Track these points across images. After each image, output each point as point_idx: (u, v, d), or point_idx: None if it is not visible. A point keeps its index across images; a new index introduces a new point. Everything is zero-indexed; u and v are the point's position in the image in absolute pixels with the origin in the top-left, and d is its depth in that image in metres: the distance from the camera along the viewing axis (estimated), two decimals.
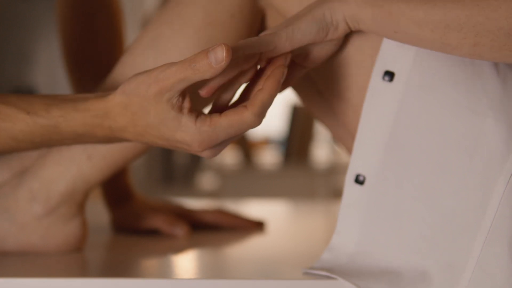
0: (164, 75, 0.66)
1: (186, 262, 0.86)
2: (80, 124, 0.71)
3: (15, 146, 0.72)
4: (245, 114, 0.67)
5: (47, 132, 0.72)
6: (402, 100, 0.73)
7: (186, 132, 0.68)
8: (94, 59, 1.08)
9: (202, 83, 0.69)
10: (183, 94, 0.68)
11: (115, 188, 1.06)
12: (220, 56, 0.65)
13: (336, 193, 3.02)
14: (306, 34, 0.71)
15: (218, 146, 0.70)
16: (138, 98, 0.68)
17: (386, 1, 0.70)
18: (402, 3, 0.69)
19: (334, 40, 0.74)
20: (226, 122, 0.67)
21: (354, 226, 0.74)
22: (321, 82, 0.82)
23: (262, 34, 0.71)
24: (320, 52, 0.74)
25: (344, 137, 0.86)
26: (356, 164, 0.74)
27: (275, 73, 0.69)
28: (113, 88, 0.83)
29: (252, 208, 1.44)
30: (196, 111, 0.69)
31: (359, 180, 0.74)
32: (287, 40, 0.70)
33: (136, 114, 0.68)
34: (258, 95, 0.67)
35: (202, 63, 0.65)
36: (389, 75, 0.73)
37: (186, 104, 0.68)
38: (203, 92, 0.69)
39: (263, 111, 0.68)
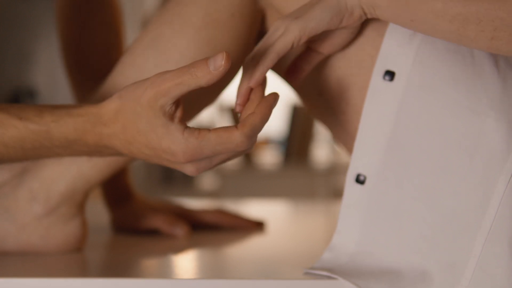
0: (161, 79, 0.66)
1: (186, 262, 0.86)
2: (71, 129, 0.70)
3: (4, 153, 0.72)
4: (235, 133, 0.66)
5: (38, 138, 0.71)
6: (403, 100, 0.73)
7: (172, 140, 0.67)
8: (93, 59, 1.08)
9: (196, 95, 0.69)
10: (176, 103, 0.67)
11: (115, 188, 1.06)
12: (219, 63, 0.65)
13: (336, 193, 3.02)
14: (320, 21, 0.71)
15: (203, 163, 0.69)
16: (132, 103, 0.68)
17: None
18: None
19: (349, 26, 0.74)
20: (214, 137, 0.66)
21: (354, 226, 0.74)
22: (322, 82, 0.82)
23: (272, 30, 0.72)
24: (337, 39, 0.75)
25: (344, 137, 0.86)
26: (356, 163, 0.74)
27: (268, 98, 0.69)
28: (113, 88, 0.83)
29: (252, 208, 1.44)
30: (186, 123, 0.68)
31: (359, 180, 0.74)
32: (301, 31, 0.71)
33: (127, 119, 0.68)
34: (250, 118, 0.67)
35: (200, 68, 0.65)
36: (390, 74, 0.73)
37: (178, 113, 0.68)
38: (237, 108, 0.71)
39: (253, 134, 0.67)
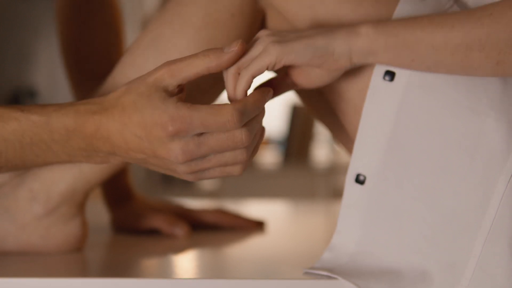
0: (171, 61, 0.67)
1: (186, 262, 0.86)
2: (72, 118, 0.69)
3: (2, 150, 0.71)
4: (226, 106, 0.66)
5: (38, 130, 0.70)
6: (403, 100, 0.73)
7: (164, 109, 0.66)
8: (93, 59, 1.08)
9: (196, 95, 0.69)
10: (180, 87, 0.68)
11: (115, 188, 1.06)
12: (233, 47, 0.66)
13: (336, 193, 3.02)
14: (300, 57, 0.70)
15: (196, 157, 0.67)
16: (138, 84, 0.68)
17: (400, 29, 0.69)
18: (417, 29, 0.69)
19: (331, 71, 0.73)
20: (205, 108, 0.66)
21: (354, 226, 0.74)
22: None
23: (253, 44, 0.71)
24: (314, 77, 0.73)
25: (344, 138, 0.86)
26: (356, 163, 0.74)
27: (263, 88, 0.70)
28: (113, 88, 0.83)
29: (252, 208, 1.44)
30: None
31: (359, 180, 0.74)
32: (278, 57, 0.69)
33: (128, 100, 0.68)
34: (243, 98, 0.68)
35: (213, 50, 0.66)
36: (390, 74, 0.73)
37: (181, 95, 0.68)
38: None
39: (244, 111, 0.67)
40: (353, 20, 0.76)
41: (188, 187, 3.24)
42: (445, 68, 0.70)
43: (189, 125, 0.66)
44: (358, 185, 0.74)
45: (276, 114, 3.61)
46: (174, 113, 0.66)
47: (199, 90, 0.82)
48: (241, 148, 0.68)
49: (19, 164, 0.73)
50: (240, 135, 0.67)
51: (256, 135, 0.70)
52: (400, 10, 0.74)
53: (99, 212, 1.15)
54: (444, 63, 0.69)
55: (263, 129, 0.72)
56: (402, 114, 0.73)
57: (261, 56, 0.69)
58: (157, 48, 0.81)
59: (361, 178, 0.74)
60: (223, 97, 0.79)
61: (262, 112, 0.70)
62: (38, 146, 0.71)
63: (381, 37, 0.70)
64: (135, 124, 0.68)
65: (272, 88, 0.74)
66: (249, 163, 0.70)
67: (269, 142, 3.79)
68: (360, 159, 0.74)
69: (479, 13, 0.67)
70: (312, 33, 0.71)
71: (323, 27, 0.72)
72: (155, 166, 0.70)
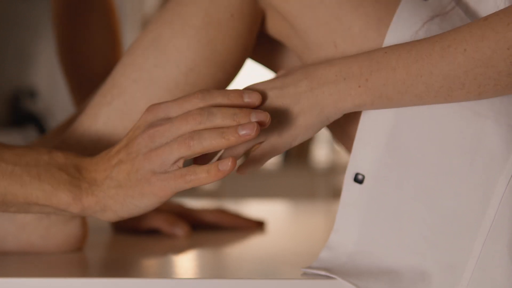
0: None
1: (186, 262, 0.86)
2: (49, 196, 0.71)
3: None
4: (194, 93, 0.69)
5: (15, 191, 0.71)
6: None
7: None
8: (90, 60, 1.08)
9: None
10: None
11: None
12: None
13: (336, 193, 3.01)
14: (304, 139, 0.75)
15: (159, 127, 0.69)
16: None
17: (382, 88, 0.70)
18: (398, 84, 0.70)
19: None
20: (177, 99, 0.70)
21: (353, 225, 0.74)
22: None
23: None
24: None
25: (344, 138, 0.86)
26: (355, 162, 0.74)
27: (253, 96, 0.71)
28: (113, 88, 0.83)
29: (252, 208, 1.44)
30: None
31: (358, 179, 0.74)
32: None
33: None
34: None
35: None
36: None
37: None
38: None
39: (208, 96, 0.69)
40: (352, 20, 0.76)
41: None
42: (430, 105, 0.72)
43: (157, 108, 0.71)
44: (356, 184, 0.74)
45: None
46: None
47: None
48: (196, 126, 0.68)
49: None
50: (200, 102, 0.69)
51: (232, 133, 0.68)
52: (401, 11, 0.74)
53: None
54: (429, 103, 0.71)
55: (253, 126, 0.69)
56: (401, 113, 0.73)
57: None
58: (157, 48, 0.81)
59: (360, 177, 0.74)
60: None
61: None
62: (29, 172, 0.72)
63: (367, 100, 0.71)
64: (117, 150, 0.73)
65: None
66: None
67: None
68: (359, 158, 0.74)
69: (453, 50, 0.68)
70: (306, 124, 0.73)
71: (300, 94, 0.73)
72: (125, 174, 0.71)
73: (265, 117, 0.68)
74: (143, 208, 0.71)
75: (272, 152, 0.74)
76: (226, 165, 0.66)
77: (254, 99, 0.70)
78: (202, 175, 0.67)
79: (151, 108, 0.71)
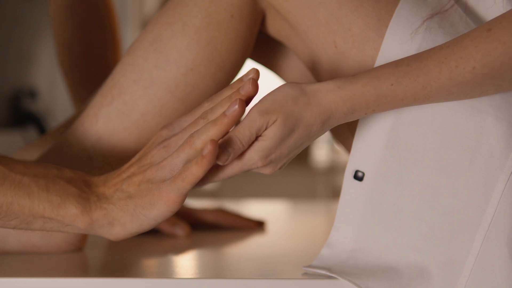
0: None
1: (186, 262, 0.86)
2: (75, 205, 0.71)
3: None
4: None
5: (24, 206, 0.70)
6: None
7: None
8: (89, 61, 1.08)
9: None
10: None
11: None
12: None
13: (336, 193, 3.01)
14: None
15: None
16: None
17: (388, 110, 0.71)
18: (404, 106, 0.70)
19: None
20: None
21: (353, 222, 0.74)
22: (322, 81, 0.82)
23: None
24: None
25: (344, 137, 0.86)
26: (355, 160, 0.74)
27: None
28: (113, 88, 0.83)
29: (252, 208, 1.44)
30: None
31: (358, 176, 0.74)
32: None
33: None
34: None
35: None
36: None
37: None
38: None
39: (215, 99, 0.71)
40: (352, 20, 0.76)
41: None
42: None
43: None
44: (356, 182, 0.74)
45: None
46: None
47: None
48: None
49: (3, 206, 0.69)
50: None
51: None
52: (401, 10, 0.74)
53: None
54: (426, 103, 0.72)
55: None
56: (402, 110, 0.73)
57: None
58: (157, 48, 0.81)
59: (360, 174, 0.74)
60: None
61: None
62: (37, 183, 0.70)
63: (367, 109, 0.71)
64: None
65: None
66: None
67: None
68: (359, 155, 0.74)
69: (462, 70, 0.67)
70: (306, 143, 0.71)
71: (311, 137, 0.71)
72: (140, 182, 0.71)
73: (253, 88, 0.68)
74: (153, 218, 0.69)
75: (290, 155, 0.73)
76: (207, 148, 0.66)
77: (248, 90, 0.70)
78: (193, 167, 0.67)
79: (167, 124, 0.73)
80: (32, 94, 2.90)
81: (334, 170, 3.18)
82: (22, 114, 2.84)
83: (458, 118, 0.71)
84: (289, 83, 0.70)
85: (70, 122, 1.02)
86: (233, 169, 0.69)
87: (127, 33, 2.96)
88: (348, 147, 0.86)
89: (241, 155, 0.69)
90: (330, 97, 0.69)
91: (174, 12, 0.82)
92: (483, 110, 0.71)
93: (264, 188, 3.15)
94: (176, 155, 0.69)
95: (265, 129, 0.68)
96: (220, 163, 0.68)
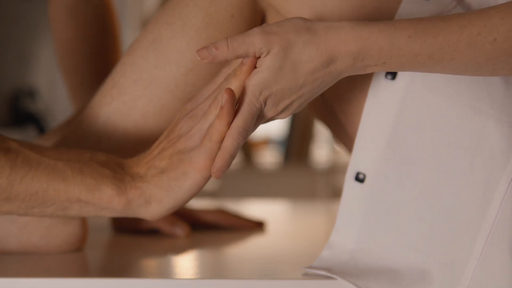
0: None
1: (186, 262, 0.86)
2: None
3: (34, 166, 0.71)
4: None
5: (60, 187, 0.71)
6: (404, 98, 0.73)
7: None
8: (89, 62, 1.08)
9: None
10: None
11: None
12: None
13: (336, 193, 3.01)
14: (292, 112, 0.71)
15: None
16: None
17: (399, 66, 0.67)
18: (415, 66, 0.67)
19: None
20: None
21: (354, 224, 0.74)
22: None
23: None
24: None
25: (345, 138, 0.86)
26: (356, 161, 0.74)
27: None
28: (113, 89, 0.83)
29: (252, 208, 1.44)
30: None
31: (359, 178, 0.74)
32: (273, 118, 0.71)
33: None
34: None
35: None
36: (392, 73, 0.73)
37: None
38: None
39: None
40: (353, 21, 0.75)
41: None
42: (427, 81, 0.72)
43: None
44: (357, 183, 0.74)
45: None
46: None
47: None
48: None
49: (39, 192, 0.70)
50: None
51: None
52: (403, 10, 0.74)
53: None
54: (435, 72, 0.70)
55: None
56: (403, 112, 0.73)
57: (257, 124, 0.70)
58: (157, 48, 0.81)
59: (361, 176, 0.74)
60: None
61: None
62: (71, 166, 0.71)
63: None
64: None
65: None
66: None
67: (269, 142, 3.79)
68: (360, 157, 0.74)
69: (483, 38, 0.65)
70: (311, 95, 0.69)
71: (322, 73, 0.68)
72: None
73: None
74: (187, 190, 0.70)
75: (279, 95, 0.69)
76: (223, 98, 0.66)
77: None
78: (215, 123, 0.67)
79: (190, 98, 0.73)
80: (32, 94, 2.90)
81: (334, 170, 3.18)
82: (21, 114, 2.84)
83: (458, 119, 0.71)
84: (302, 17, 0.69)
85: (70, 122, 1.02)
86: (242, 115, 0.68)
87: (127, 33, 2.96)
88: (348, 147, 0.86)
89: (242, 95, 0.68)
90: (342, 34, 0.66)
91: (174, 12, 0.82)
92: (484, 111, 0.71)
93: (264, 188, 3.15)
94: (204, 120, 0.69)
95: (263, 57, 0.67)
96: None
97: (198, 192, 0.70)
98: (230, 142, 0.68)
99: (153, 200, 0.71)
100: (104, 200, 0.71)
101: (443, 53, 0.66)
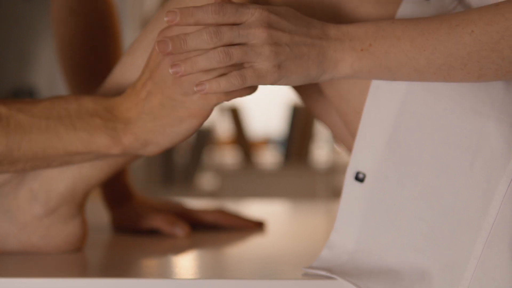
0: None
1: (186, 262, 0.86)
2: (90, 99, 0.74)
3: (27, 128, 0.73)
4: None
5: (67, 105, 0.73)
6: (404, 98, 0.73)
7: None
8: (90, 62, 1.08)
9: None
10: None
11: (114, 188, 1.06)
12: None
13: (336, 193, 3.01)
14: (291, 83, 0.70)
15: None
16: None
17: (383, 57, 0.69)
18: (400, 55, 0.69)
19: None
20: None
21: (353, 224, 0.74)
22: (323, 83, 0.82)
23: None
24: None
25: (345, 138, 0.86)
26: (356, 161, 0.74)
27: None
28: (113, 89, 0.83)
29: (252, 208, 1.44)
30: None
31: (359, 178, 0.74)
32: (273, 82, 0.69)
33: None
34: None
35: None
36: None
37: None
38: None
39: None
40: (352, 21, 0.75)
41: (188, 187, 3.24)
42: (426, 82, 0.71)
43: None
44: (357, 183, 0.74)
45: (276, 114, 3.61)
46: None
47: None
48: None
49: (39, 153, 0.74)
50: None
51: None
52: (403, 11, 0.74)
53: (99, 212, 1.15)
54: (426, 80, 0.70)
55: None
56: (403, 112, 0.73)
57: (256, 80, 0.68)
58: None
59: (361, 176, 0.74)
60: None
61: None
62: (63, 123, 0.73)
63: (364, 67, 0.70)
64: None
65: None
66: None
67: (269, 142, 3.79)
68: (360, 156, 0.74)
69: (461, 30, 0.67)
70: (308, 54, 0.69)
71: (318, 33, 0.70)
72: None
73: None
74: (183, 133, 0.72)
75: (255, 78, 0.69)
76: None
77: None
78: (210, 77, 0.67)
79: (164, 30, 0.70)
80: (32, 94, 2.90)
81: (334, 170, 3.18)
82: None
83: (458, 120, 0.71)
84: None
85: None
86: (231, 31, 0.67)
87: (127, 33, 2.96)
88: (349, 147, 0.86)
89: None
90: (330, 15, 0.71)
91: None
92: (484, 112, 0.71)
93: (264, 188, 3.15)
94: (190, 66, 0.69)
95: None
96: None
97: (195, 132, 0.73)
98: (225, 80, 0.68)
99: (149, 143, 0.73)
100: (102, 150, 0.74)
101: (424, 40, 0.68)
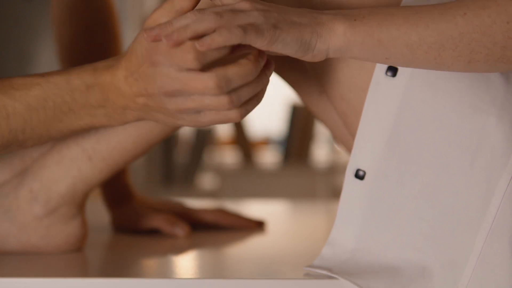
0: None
1: (186, 262, 0.86)
2: (90, 72, 0.73)
3: (27, 118, 0.73)
4: (206, 74, 0.67)
5: (59, 92, 0.73)
6: (405, 96, 0.73)
7: None
8: (90, 61, 1.08)
9: None
10: None
11: (115, 188, 1.06)
12: None
13: (336, 193, 3.01)
14: (286, 48, 0.67)
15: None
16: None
17: (376, 28, 0.68)
18: (393, 28, 0.68)
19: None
20: (187, 75, 0.67)
21: (354, 221, 0.74)
22: (323, 82, 0.82)
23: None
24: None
25: (345, 137, 0.86)
26: (356, 158, 0.74)
27: (254, 57, 0.68)
28: None
29: (252, 208, 1.44)
30: None
31: (359, 175, 0.74)
32: (268, 45, 0.67)
33: (133, 55, 0.71)
34: (227, 66, 0.68)
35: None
36: (392, 70, 0.73)
37: None
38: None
39: (226, 79, 0.67)
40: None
41: (188, 187, 3.24)
42: (417, 64, 0.69)
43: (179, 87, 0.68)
44: (357, 180, 0.74)
45: (276, 114, 3.61)
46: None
47: None
48: (227, 110, 0.68)
49: (44, 134, 0.75)
50: (223, 100, 0.67)
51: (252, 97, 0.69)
52: (406, 3, 0.74)
53: (99, 212, 1.15)
54: (418, 60, 0.69)
55: (261, 85, 0.70)
56: (403, 109, 0.73)
57: (255, 36, 0.66)
58: None
59: (361, 173, 0.74)
60: None
61: (261, 79, 0.69)
62: (60, 109, 0.73)
63: (357, 38, 0.68)
64: (136, 68, 0.70)
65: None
66: (246, 111, 0.70)
67: (269, 142, 3.78)
68: (360, 154, 0.74)
69: (453, 11, 0.67)
70: (300, 22, 0.68)
71: (306, 11, 0.69)
72: (157, 112, 0.71)
73: None
74: (185, 125, 0.72)
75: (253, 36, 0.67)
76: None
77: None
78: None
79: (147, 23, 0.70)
80: None
81: (334, 170, 3.18)
82: None
83: (459, 117, 0.71)
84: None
85: None
86: (215, 9, 0.67)
87: (127, 33, 2.96)
88: (348, 147, 0.86)
89: None
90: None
91: None
92: (485, 109, 0.71)
93: (264, 188, 3.15)
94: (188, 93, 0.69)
95: None
96: None
97: None
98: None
99: (150, 118, 0.74)
100: (106, 125, 0.76)
101: (417, 18, 0.67)
